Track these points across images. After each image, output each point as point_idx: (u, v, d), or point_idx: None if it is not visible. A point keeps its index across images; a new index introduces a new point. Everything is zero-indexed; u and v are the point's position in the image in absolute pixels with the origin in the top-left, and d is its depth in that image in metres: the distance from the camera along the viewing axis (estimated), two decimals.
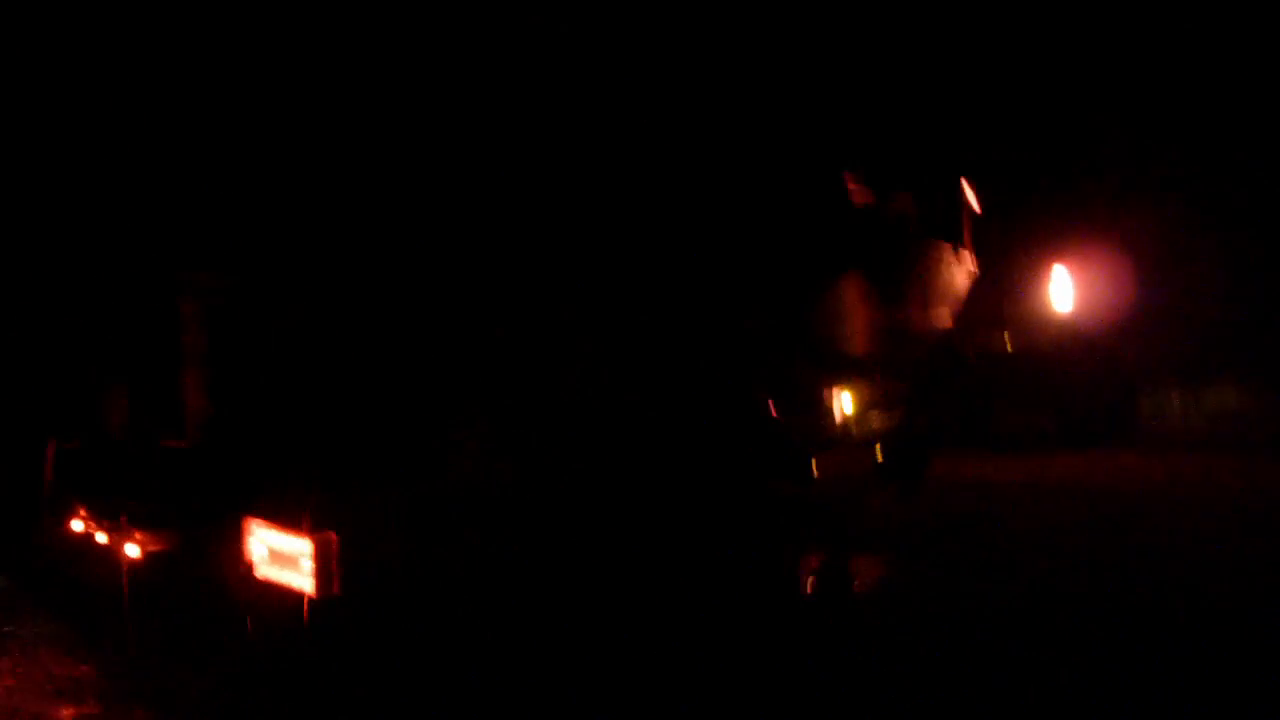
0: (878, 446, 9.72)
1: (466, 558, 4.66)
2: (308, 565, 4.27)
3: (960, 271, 9.70)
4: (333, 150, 4.91)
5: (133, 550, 5.99)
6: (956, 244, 9.47)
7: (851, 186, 8.37)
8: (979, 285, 11.08)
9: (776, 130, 6.87)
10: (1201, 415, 15.30)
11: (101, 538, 6.45)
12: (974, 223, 9.97)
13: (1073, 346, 14.43)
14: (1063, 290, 15.54)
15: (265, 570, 4.60)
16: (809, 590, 6.74)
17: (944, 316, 9.62)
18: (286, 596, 4.46)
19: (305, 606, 4.38)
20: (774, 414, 6.19)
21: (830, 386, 7.88)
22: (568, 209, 5.29)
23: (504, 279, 5.06)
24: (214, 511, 4.98)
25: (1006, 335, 15.29)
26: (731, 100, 6.39)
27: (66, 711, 4.90)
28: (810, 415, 7.08)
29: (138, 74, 5.16)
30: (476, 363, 4.94)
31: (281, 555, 4.44)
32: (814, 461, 6.41)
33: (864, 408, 8.65)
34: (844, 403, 8.02)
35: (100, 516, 6.44)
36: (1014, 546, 7.82)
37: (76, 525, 6.87)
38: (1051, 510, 8.95)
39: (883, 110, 9.42)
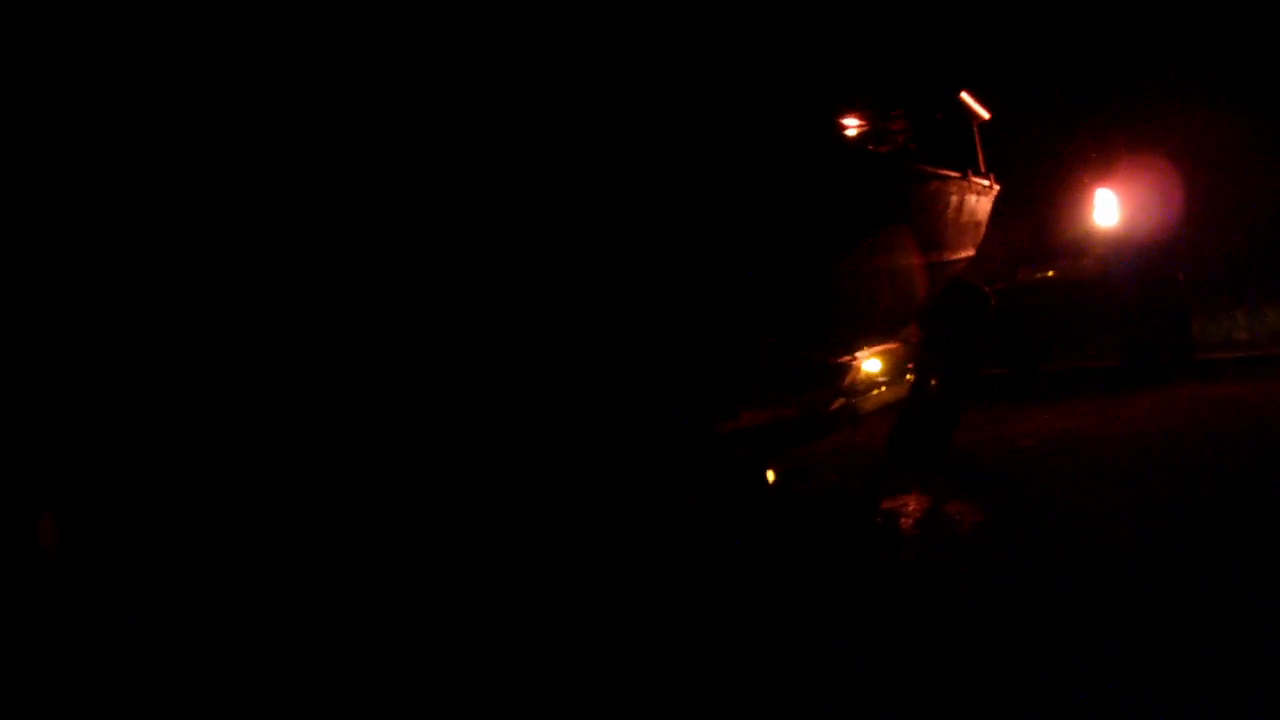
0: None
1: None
2: None
3: (976, 197, 8.05)
4: None
5: None
6: (968, 167, 7.83)
7: (838, 121, 6.94)
8: (1007, 210, 9.48)
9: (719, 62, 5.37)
10: (1265, 335, 13.55)
11: None
12: (984, 135, 8.31)
13: (1120, 272, 12.82)
14: (1106, 209, 13.81)
15: None
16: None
17: (959, 253, 8.01)
18: None
19: None
20: (699, 421, 4.73)
21: (817, 361, 6.38)
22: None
23: None
24: None
25: (1044, 265, 13.70)
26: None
27: None
28: (785, 403, 5.60)
29: None
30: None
31: None
32: (768, 469, 4.94)
33: (866, 378, 7.14)
34: (836, 377, 6.52)
35: None
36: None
37: None
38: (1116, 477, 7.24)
39: (870, 30, 7.90)
